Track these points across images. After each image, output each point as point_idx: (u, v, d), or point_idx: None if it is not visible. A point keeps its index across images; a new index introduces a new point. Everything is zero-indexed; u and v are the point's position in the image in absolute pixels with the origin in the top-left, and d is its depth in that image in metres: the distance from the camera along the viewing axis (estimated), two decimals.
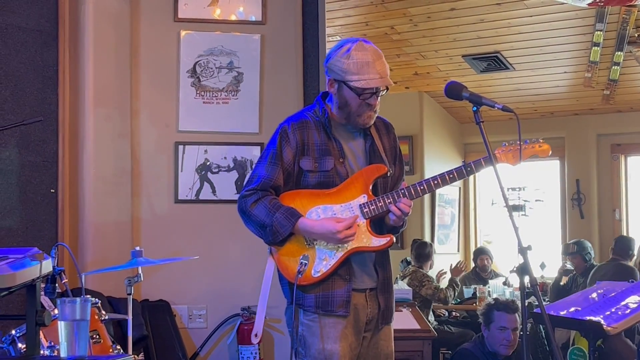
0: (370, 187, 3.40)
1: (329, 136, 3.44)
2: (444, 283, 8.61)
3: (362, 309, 3.44)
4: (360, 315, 3.43)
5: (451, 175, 3.38)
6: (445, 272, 8.70)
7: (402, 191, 3.37)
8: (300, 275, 3.31)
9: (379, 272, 3.47)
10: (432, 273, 8.87)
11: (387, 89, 3.38)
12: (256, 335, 3.51)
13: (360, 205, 3.37)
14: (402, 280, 8.22)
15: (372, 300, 3.46)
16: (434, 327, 6.22)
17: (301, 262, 3.32)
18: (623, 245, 8.29)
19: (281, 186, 3.42)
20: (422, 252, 8.53)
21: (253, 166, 5.30)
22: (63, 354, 2.62)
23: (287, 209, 3.34)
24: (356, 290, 3.42)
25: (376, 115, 3.45)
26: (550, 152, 3.47)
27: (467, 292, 9.03)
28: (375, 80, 3.31)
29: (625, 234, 10.25)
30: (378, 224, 3.46)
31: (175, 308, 5.38)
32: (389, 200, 3.35)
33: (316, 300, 3.37)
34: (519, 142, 3.33)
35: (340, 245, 3.35)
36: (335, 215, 3.37)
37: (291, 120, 3.49)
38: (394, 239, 3.42)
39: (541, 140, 3.46)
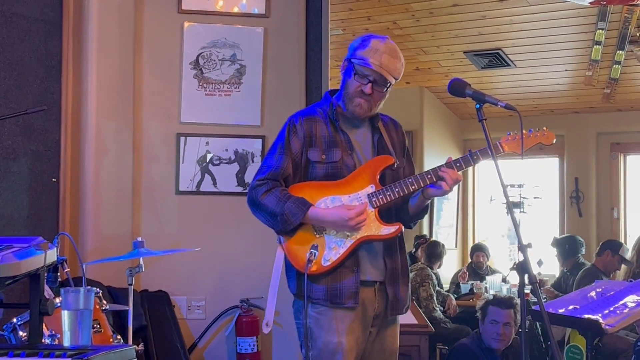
0: (378, 178, 3.43)
1: (336, 129, 3.48)
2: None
3: (370, 303, 3.47)
4: (368, 310, 3.46)
5: (458, 164, 3.41)
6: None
7: (410, 180, 3.40)
8: (310, 265, 3.33)
9: (387, 263, 3.49)
10: (442, 273, 8.96)
11: (389, 86, 3.41)
12: (267, 324, 3.54)
13: (368, 195, 3.41)
14: None
15: (380, 295, 3.49)
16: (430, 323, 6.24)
17: (311, 252, 3.34)
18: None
19: (290, 176, 3.46)
20: (434, 251, 8.59)
21: (254, 159, 5.37)
22: (66, 343, 2.64)
23: (298, 198, 3.38)
24: (365, 283, 3.45)
25: (370, 111, 3.47)
26: (554, 140, 3.50)
27: (464, 287, 9.05)
28: (374, 65, 3.35)
29: (622, 232, 10.28)
30: (387, 214, 3.49)
31: (174, 299, 5.39)
32: (397, 189, 3.39)
33: (325, 292, 3.40)
34: (518, 132, 3.36)
35: (350, 233, 3.38)
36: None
37: (299, 114, 3.54)
38: (403, 228, 3.46)
39: (545, 128, 3.49)
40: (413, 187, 3.40)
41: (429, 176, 3.40)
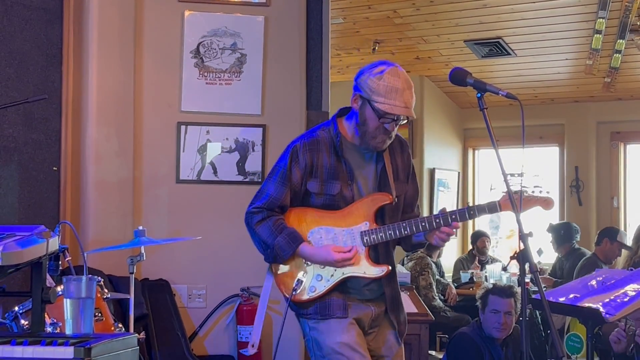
0: (374, 215, 3.45)
1: (339, 158, 3.47)
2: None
3: (364, 312, 3.51)
4: (364, 317, 3.51)
5: (453, 216, 3.41)
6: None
7: (404, 225, 3.41)
8: (295, 293, 3.41)
9: (385, 290, 3.54)
10: (442, 262, 8.98)
11: (408, 119, 3.39)
12: (253, 345, 3.60)
13: (361, 232, 3.43)
14: (407, 263, 8.27)
15: (375, 304, 3.54)
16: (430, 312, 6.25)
17: (298, 280, 3.42)
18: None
19: (288, 205, 3.48)
20: None
21: (255, 147, 5.37)
22: (68, 332, 2.65)
23: (290, 233, 3.42)
24: (354, 299, 3.50)
25: (390, 141, 3.47)
26: (553, 206, 3.52)
27: (464, 276, 9.06)
28: (399, 108, 3.32)
29: (622, 221, 10.27)
30: (384, 251, 3.52)
31: (175, 287, 5.41)
32: (389, 232, 3.41)
33: (315, 308, 3.46)
34: (523, 193, 3.40)
35: (337, 269, 3.42)
36: (336, 238, 3.43)
37: (303, 139, 3.51)
38: (390, 269, 3.48)
39: (548, 192, 3.51)
40: (406, 231, 3.42)
41: (423, 224, 3.41)
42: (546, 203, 3.50)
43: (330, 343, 3.41)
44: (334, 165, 3.46)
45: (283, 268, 3.48)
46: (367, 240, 3.42)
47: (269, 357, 5.47)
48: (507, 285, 5.72)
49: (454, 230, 3.42)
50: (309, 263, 3.45)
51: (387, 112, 3.32)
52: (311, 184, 3.46)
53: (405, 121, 3.41)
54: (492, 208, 3.37)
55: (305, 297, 3.43)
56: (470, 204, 11.52)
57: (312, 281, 3.43)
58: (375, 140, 3.41)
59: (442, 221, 3.40)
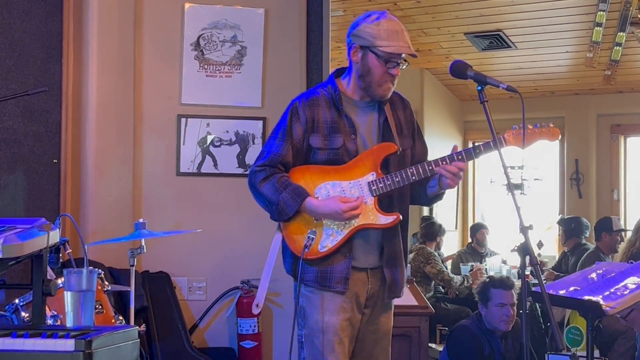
0: (380, 165, 3.42)
1: (339, 113, 3.46)
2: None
3: (362, 285, 3.47)
4: (360, 291, 3.46)
5: (460, 157, 3.39)
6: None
7: (411, 171, 3.38)
8: (307, 250, 3.35)
9: (385, 247, 3.48)
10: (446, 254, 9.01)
11: (407, 63, 3.40)
12: (257, 305, 3.56)
13: (368, 182, 3.40)
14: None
15: (374, 277, 3.49)
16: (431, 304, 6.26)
17: (308, 237, 3.35)
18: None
19: (290, 162, 3.45)
20: (428, 231, 8.65)
21: (255, 140, 5.37)
22: (69, 324, 2.65)
23: (294, 188, 3.38)
24: (356, 268, 3.45)
25: (394, 87, 3.47)
26: (560, 137, 3.50)
27: (464, 269, 9.06)
28: (404, 48, 3.35)
29: (622, 214, 10.29)
30: (387, 202, 3.48)
31: (175, 280, 5.41)
32: (397, 179, 3.38)
33: (316, 274, 3.42)
34: (525, 126, 3.35)
35: (347, 222, 3.38)
36: (343, 192, 3.40)
37: (302, 97, 3.52)
38: (401, 217, 3.44)
39: (551, 125, 3.48)
40: (414, 177, 3.38)
41: (430, 167, 3.39)
42: (551, 134, 3.47)
43: (316, 319, 3.41)
44: (334, 119, 3.45)
45: (293, 225, 3.44)
46: (375, 189, 3.39)
47: (269, 350, 5.49)
48: (504, 276, 5.72)
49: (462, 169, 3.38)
50: (319, 219, 3.41)
51: (394, 53, 3.34)
52: (313, 139, 3.44)
53: (406, 65, 3.41)
54: (496, 143, 3.33)
55: (316, 254, 3.39)
56: (470, 197, 11.58)
57: (323, 237, 3.40)
58: (382, 88, 3.42)
59: (448, 161, 3.38)
